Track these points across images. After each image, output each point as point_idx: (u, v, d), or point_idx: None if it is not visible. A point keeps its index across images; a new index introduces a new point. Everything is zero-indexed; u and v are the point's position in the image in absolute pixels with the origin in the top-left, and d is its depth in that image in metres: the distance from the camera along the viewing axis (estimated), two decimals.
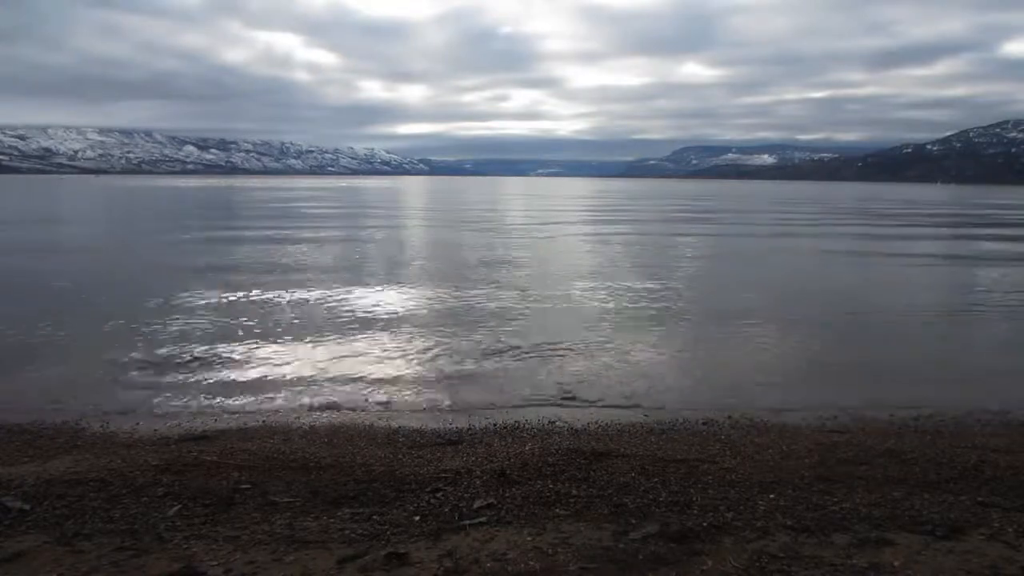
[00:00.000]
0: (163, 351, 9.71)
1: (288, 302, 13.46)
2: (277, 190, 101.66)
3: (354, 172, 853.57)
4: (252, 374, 8.73)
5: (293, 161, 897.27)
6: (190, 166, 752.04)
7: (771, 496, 4.41)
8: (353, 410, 7.50)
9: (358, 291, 14.79)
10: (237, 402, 7.72)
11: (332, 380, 8.53)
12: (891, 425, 6.96)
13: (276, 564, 3.41)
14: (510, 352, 9.78)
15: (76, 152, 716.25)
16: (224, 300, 13.59)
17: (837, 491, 4.55)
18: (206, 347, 9.95)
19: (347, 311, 12.65)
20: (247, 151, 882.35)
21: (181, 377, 8.58)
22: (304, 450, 5.83)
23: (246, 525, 3.94)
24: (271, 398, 7.88)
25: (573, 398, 7.89)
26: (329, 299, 13.81)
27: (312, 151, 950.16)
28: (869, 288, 16.62)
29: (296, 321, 11.77)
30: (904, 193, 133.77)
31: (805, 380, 8.82)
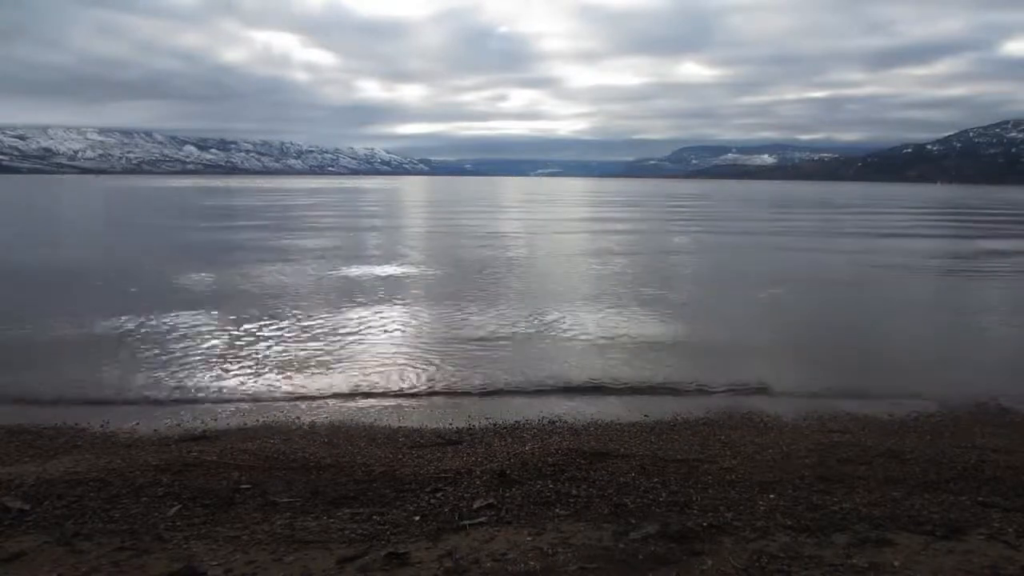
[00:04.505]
0: (163, 352, 9.71)
1: (286, 306, 13.46)
2: (276, 193, 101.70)
3: (354, 172, 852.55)
4: (252, 375, 8.73)
5: (293, 161, 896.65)
6: (190, 166, 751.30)
7: (771, 496, 4.41)
8: (353, 410, 7.50)
9: (355, 302, 14.78)
10: (237, 402, 7.72)
11: (332, 381, 8.53)
12: (891, 425, 6.97)
13: (276, 564, 3.40)
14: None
15: (76, 152, 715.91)
16: (223, 303, 13.60)
17: (837, 491, 4.55)
18: (206, 348, 9.96)
19: (345, 316, 12.65)
20: (247, 151, 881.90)
21: (181, 377, 8.58)
22: (304, 450, 5.83)
23: (246, 525, 3.93)
24: (271, 398, 7.88)
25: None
26: (327, 302, 13.82)
27: (312, 151, 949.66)
28: None
29: (295, 323, 11.77)
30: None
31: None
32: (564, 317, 12.10)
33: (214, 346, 10.04)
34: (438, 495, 4.45)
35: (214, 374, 8.71)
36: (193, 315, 12.12)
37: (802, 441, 6.13)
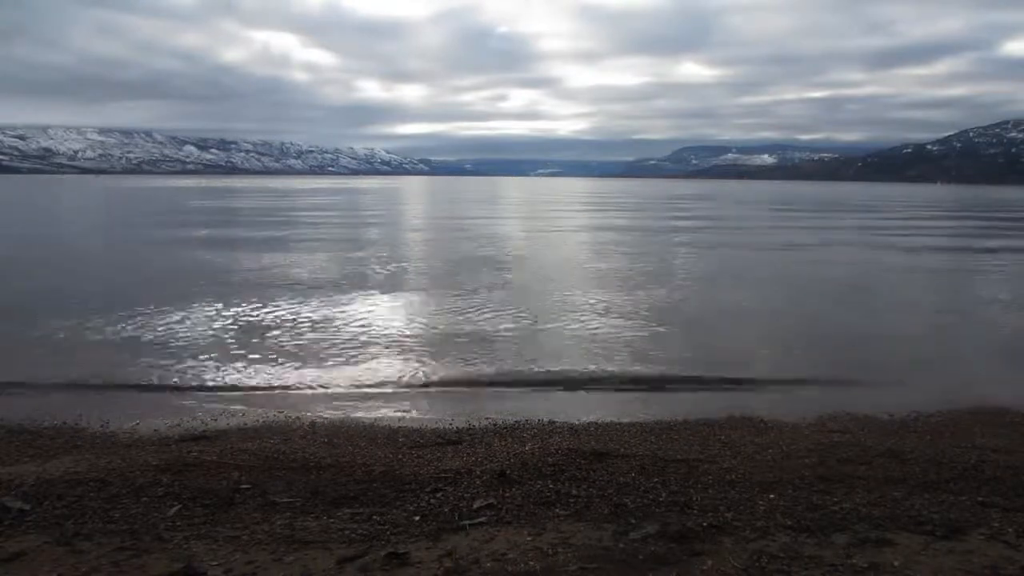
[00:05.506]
0: (163, 352, 9.71)
1: (286, 308, 13.47)
2: (277, 193, 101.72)
3: (354, 172, 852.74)
4: (252, 375, 8.73)
5: (293, 161, 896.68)
6: (190, 166, 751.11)
7: (771, 496, 4.40)
8: (353, 410, 7.50)
9: (355, 299, 14.78)
10: (237, 402, 7.72)
11: (333, 382, 8.53)
12: (891, 425, 6.97)
13: (276, 564, 3.40)
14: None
15: (76, 152, 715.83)
16: (223, 304, 13.60)
17: (837, 491, 4.55)
18: (206, 347, 9.96)
19: (344, 317, 12.66)
20: (247, 151, 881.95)
21: (181, 377, 8.58)
22: (304, 450, 5.83)
23: (246, 525, 3.93)
24: (271, 398, 7.88)
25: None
26: (326, 304, 13.82)
27: (312, 151, 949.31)
28: None
29: (295, 324, 11.77)
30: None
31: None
32: (565, 324, 12.10)
33: (214, 348, 10.04)
34: (438, 495, 4.45)
35: (214, 375, 8.71)
36: (192, 318, 12.12)
37: (802, 441, 6.13)
